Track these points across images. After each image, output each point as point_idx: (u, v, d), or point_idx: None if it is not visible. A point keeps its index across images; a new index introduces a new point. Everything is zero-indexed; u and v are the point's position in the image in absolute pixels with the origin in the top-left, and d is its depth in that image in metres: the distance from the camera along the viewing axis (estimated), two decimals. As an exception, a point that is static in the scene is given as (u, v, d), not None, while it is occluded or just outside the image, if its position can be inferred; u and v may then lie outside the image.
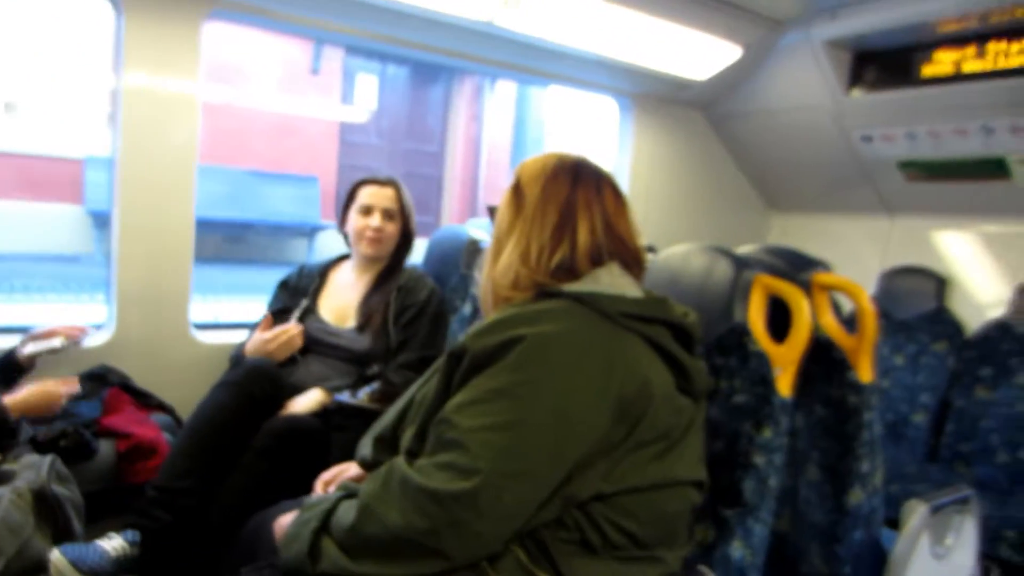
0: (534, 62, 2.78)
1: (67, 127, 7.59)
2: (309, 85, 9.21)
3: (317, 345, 2.04)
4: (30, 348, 1.87)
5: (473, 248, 2.36)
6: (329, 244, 8.23)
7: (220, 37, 7.96)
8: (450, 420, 0.97)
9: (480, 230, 2.45)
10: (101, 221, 7.35)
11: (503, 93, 10.58)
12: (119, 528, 1.60)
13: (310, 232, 8.79)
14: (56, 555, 1.41)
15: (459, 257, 2.40)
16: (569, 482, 0.97)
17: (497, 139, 10.58)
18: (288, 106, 9.01)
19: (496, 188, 10.41)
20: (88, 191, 7.51)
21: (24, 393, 1.73)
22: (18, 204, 7.16)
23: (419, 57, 2.70)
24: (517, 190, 1.16)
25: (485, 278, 1.18)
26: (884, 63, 2.73)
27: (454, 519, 0.91)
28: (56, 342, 1.89)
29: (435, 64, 10.44)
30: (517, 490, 0.93)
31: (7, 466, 1.51)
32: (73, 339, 1.93)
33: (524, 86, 10.00)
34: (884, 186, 3.10)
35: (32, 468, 1.48)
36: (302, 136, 9.27)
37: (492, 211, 2.16)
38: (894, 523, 1.43)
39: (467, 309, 2.28)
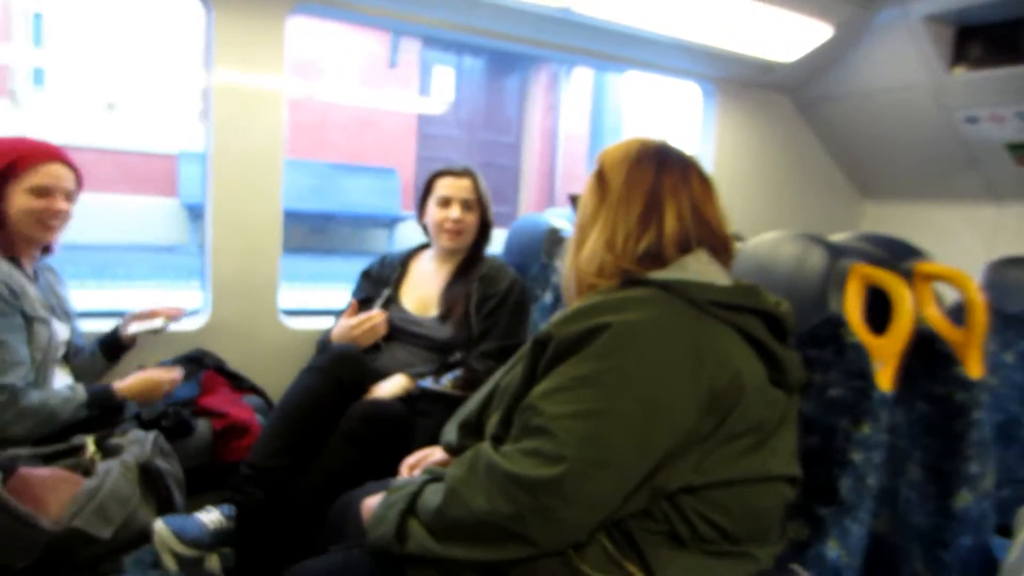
0: (612, 48, 2.74)
1: (162, 124, 7.96)
2: (387, 78, 9.36)
3: (400, 333, 2.08)
4: (133, 328, 1.98)
5: (554, 237, 2.35)
6: (409, 234, 8.37)
7: (301, 33, 8.18)
8: (536, 407, 0.97)
9: (560, 219, 2.43)
10: (194, 213, 7.70)
11: (580, 81, 10.49)
12: (216, 502, 1.67)
13: (390, 223, 8.95)
14: (160, 525, 1.49)
15: (539, 246, 2.39)
16: (657, 473, 0.95)
17: (574, 128, 10.51)
18: (367, 99, 9.19)
19: (573, 178, 10.35)
20: (182, 185, 7.87)
21: (132, 380, 1.81)
22: (118, 197, 7.55)
23: (495, 46, 2.70)
24: (600, 177, 1.15)
25: (569, 266, 1.17)
26: (990, 38, 2.56)
27: (540, 505, 0.91)
28: (157, 323, 1.99)
29: (511, 53, 10.43)
30: (603, 479, 0.92)
31: (115, 440, 1.59)
32: (172, 318, 2.02)
33: (601, 73, 9.88)
34: (991, 171, 2.91)
35: (138, 443, 1.56)
36: (381, 129, 9.44)
37: (574, 199, 2.14)
38: (1005, 530, 1.35)
39: (548, 298, 2.27)
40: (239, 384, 2.11)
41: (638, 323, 0.96)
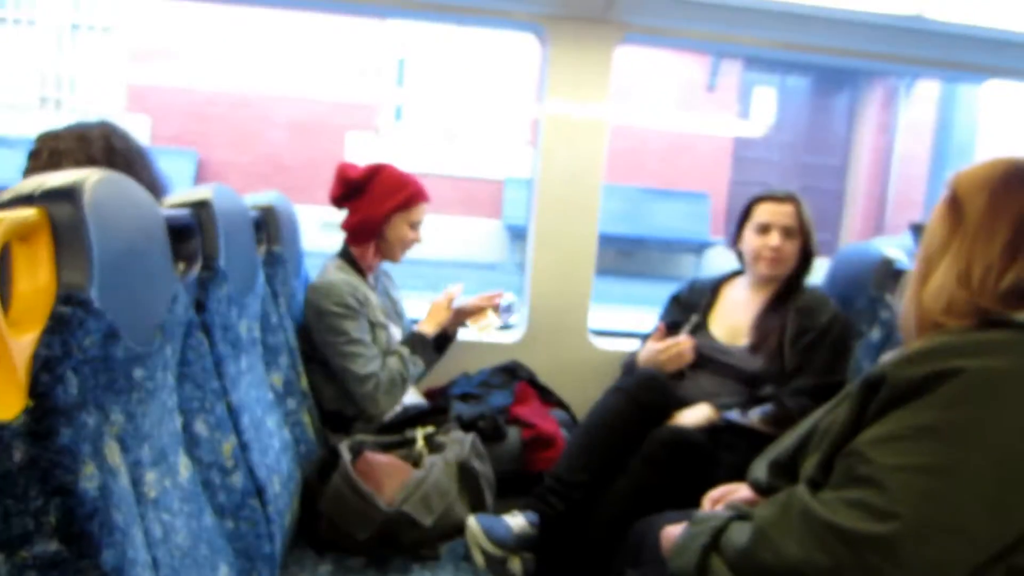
0: (971, 56, 2.38)
1: (492, 152, 8.79)
2: (705, 102, 9.29)
3: (707, 362, 2.01)
4: (471, 332, 2.17)
5: (887, 269, 2.10)
6: (718, 261, 8.18)
7: (622, 60, 8.44)
8: (864, 454, 0.87)
9: (895, 248, 2.18)
10: (514, 234, 8.36)
11: (923, 95, 9.38)
12: (522, 508, 1.76)
13: (699, 248, 8.84)
14: (472, 521, 1.61)
15: (867, 278, 2.16)
16: (1018, 550, 0.81)
17: (912, 148, 9.43)
18: (682, 124, 9.20)
19: (908, 203, 9.28)
20: (506, 207, 8.60)
21: (424, 319, 2.11)
22: (452, 219, 8.48)
23: (826, 63, 2.52)
24: (953, 203, 1.00)
25: (908, 301, 1.04)
26: None
27: (863, 563, 0.82)
28: (493, 322, 2.17)
29: (842, 70, 9.75)
30: (944, 545, 0.80)
31: (440, 438, 1.77)
32: (496, 306, 2.19)
33: (951, 86, 8.73)
34: None
35: (458, 443, 1.71)
36: (695, 153, 9.39)
37: (917, 228, 1.90)
38: None
39: (876, 336, 2.04)
40: (547, 397, 2.22)
41: (1000, 371, 0.83)
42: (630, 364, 2.13)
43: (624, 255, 8.81)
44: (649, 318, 2.30)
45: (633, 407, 1.81)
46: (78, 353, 0.74)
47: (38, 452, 0.67)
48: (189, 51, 8.15)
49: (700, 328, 2.09)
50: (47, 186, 0.76)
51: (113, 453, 0.81)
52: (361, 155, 8.13)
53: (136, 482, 0.87)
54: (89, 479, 0.72)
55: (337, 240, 2.07)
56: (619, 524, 1.57)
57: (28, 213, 0.73)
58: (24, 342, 0.69)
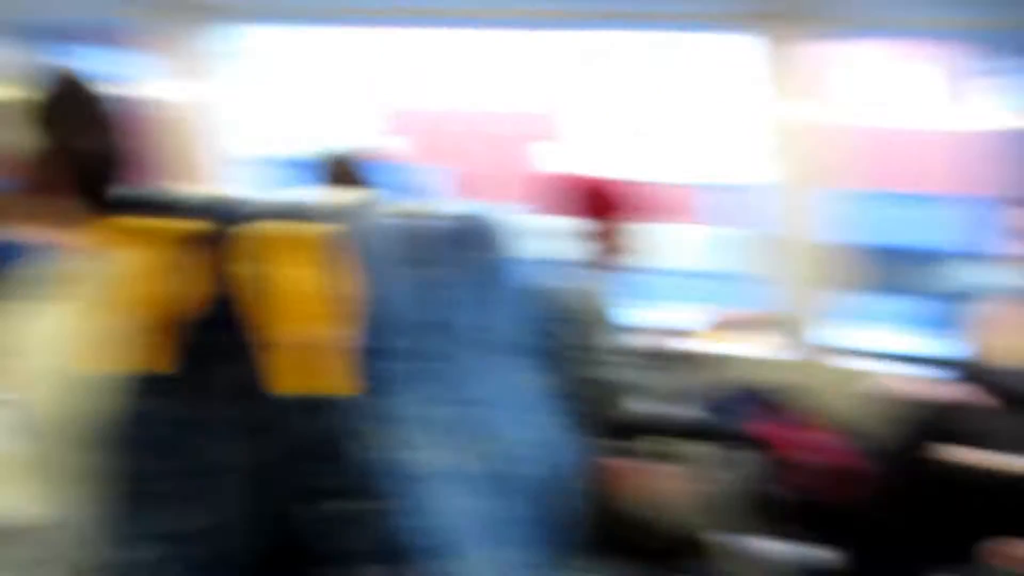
0: None
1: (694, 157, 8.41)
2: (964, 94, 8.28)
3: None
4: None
5: None
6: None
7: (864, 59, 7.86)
8: None
9: None
10: (718, 241, 7.97)
11: None
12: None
13: (976, 259, 7.84)
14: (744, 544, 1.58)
15: None
16: None
17: None
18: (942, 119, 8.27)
19: None
20: (706, 213, 8.24)
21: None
22: (677, 227, 8.24)
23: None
24: None
25: None
26: None
27: None
28: (768, 336, 2.17)
29: None
30: None
31: (707, 452, 1.75)
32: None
33: None
34: None
35: (736, 462, 1.73)
36: (955, 150, 8.37)
37: None
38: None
39: None
40: (804, 421, 2.08)
41: None
42: None
43: (895, 268, 8.05)
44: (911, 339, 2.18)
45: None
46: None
47: (356, 424, 0.80)
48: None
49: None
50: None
51: (415, 431, 0.91)
52: (571, 166, 8.18)
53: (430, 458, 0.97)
54: (391, 450, 0.82)
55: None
56: None
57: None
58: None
